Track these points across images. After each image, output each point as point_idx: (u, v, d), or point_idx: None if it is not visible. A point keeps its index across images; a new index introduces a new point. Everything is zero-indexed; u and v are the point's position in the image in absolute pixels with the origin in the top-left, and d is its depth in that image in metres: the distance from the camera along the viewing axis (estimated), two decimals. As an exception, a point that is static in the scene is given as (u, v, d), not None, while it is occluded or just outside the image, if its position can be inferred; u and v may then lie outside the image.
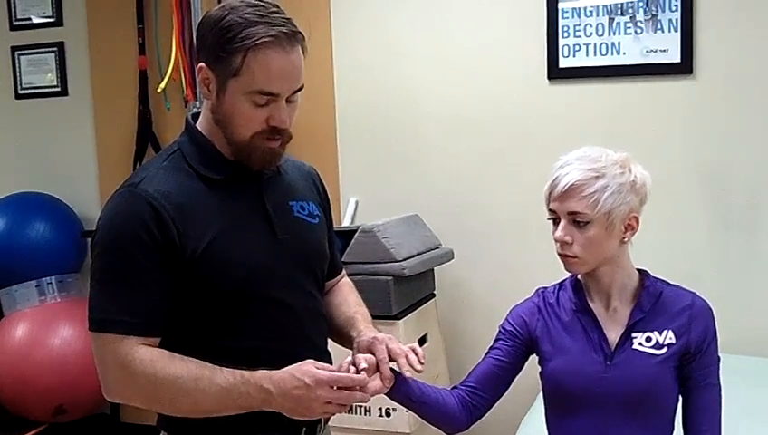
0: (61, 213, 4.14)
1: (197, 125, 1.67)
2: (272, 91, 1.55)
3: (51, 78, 4.27)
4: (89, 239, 4.09)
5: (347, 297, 1.89)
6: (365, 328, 1.74)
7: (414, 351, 1.63)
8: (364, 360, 1.58)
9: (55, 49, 4.23)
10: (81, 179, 4.24)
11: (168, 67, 3.82)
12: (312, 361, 1.54)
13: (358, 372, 1.55)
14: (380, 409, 3.13)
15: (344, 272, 1.98)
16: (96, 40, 4.15)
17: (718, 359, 1.71)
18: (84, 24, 4.17)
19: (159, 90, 3.85)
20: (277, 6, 1.59)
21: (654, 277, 1.75)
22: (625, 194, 1.64)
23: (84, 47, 4.19)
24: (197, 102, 3.81)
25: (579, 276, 1.76)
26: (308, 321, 1.69)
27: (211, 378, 1.50)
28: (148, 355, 1.50)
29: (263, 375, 1.51)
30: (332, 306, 1.86)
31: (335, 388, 1.51)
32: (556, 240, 1.67)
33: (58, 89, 4.26)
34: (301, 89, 1.61)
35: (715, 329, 1.70)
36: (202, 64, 1.58)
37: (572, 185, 1.63)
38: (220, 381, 1.49)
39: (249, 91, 1.54)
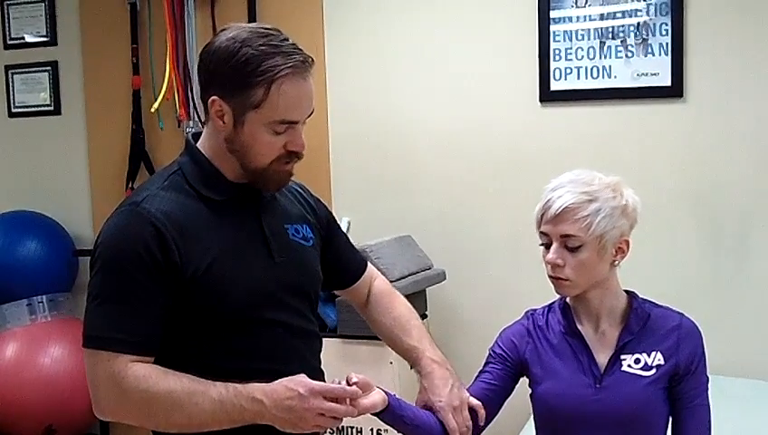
0: (53, 232, 4.12)
1: (199, 146, 1.68)
2: (293, 120, 1.59)
3: (44, 97, 4.27)
4: (80, 258, 4.09)
5: (396, 316, 1.91)
6: (429, 366, 1.77)
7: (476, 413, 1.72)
8: (355, 375, 1.58)
9: (49, 68, 4.23)
10: (74, 198, 4.23)
11: (161, 87, 3.83)
12: (303, 374, 1.55)
13: (349, 385, 1.56)
14: (372, 430, 3.12)
15: (372, 271, 1.99)
16: (90, 59, 4.16)
17: (707, 379, 1.72)
18: (78, 43, 4.19)
19: (153, 109, 3.86)
20: (281, 32, 1.61)
21: (642, 299, 1.76)
22: (617, 218, 1.65)
23: (78, 66, 4.20)
24: (191, 122, 3.82)
25: (567, 299, 1.77)
26: (302, 341, 1.71)
27: (205, 392, 1.50)
28: (141, 372, 1.51)
29: (255, 387, 1.52)
30: (384, 327, 1.91)
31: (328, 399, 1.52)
32: (548, 262, 1.68)
33: (51, 108, 4.26)
34: (312, 112, 1.65)
35: (704, 349, 1.71)
36: (215, 97, 1.59)
37: (566, 208, 1.64)
38: (213, 395, 1.50)
39: (270, 122, 1.58)
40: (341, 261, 1.93)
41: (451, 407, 1.71)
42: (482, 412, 1.74)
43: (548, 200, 1.67)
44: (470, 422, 1.73)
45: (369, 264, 2.00)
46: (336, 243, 1.91)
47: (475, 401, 1.75)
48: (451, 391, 1.73)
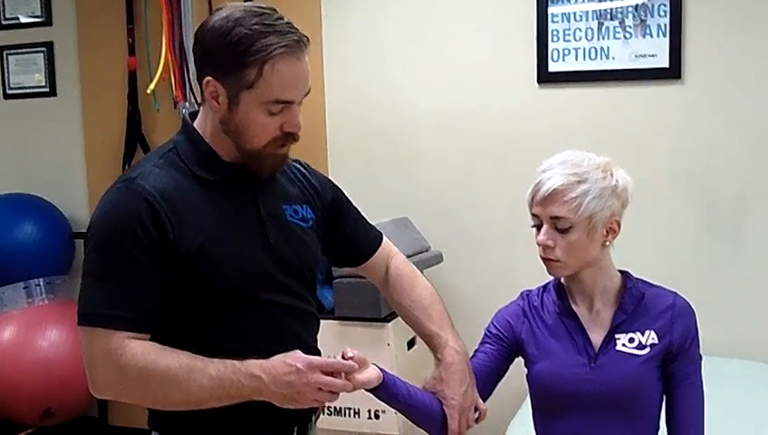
0: (49, 214, 4.12)
1: (196, 126, 1.67)
2: (288, 100, 1.58)
3: (39, 78, 4.25)
4: (77, 241, 4.08)
5: (416, 299, 1.88)
6: (450, 357, 1.75)
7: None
8: (351, 351, 1.59)
9: (44, 49, 4.22)
10: (70, 181, 4.22)
11: (157, 68, 3.82)
12: (299, 350, 1.55)
13: (345, 360, 1.57)
14: (369, 411, 3.13)
15: (386, 244, 1.97)
16: (85, 40, 4.14)
17: (700, 358, 1.73)
18: (73, 24, 4.16)
19: (149, 90, 3.85)
20: (276, 11, 1.60)
21: (636, 278, 1.76)
22: (606, 198, 1.65)
23: (73, 47, 4.18)
24: (187, 103, 3.81)
25: (562, 279, 1.77)
26: (299, 321, 1.71)
27: (203, 368, 1.50)
28: (139, 349, 1.51)
29: (253, 363, 1.52)
30: (403, 309, 1.89)
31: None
32: (539, 244, 1.69)
33: (46, 89, 4.24)
34: (309, 91, 1.63)
35: (697, 328, 1.71)
36: (209, 78, 1.58)
37: (555, 190, 1.64)
38: (212, 372, 1.50)
39: (265, 102, 1.56)
40: (352, 238, 1.92)
41: (461, 407, 1.71)
42: (484, 413, 1.75)
43: (538, 182, 1.68)
44: (472, 423, 1.73)
45: (386, 241, 1.98)
46: (346, 220, 1.90)
47: (482, 405, 1.75)
48: (466, 392, 1.72)
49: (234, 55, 1.54)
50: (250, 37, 1.53)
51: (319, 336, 1.81)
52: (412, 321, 1.88)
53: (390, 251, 1.98)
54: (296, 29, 1.59)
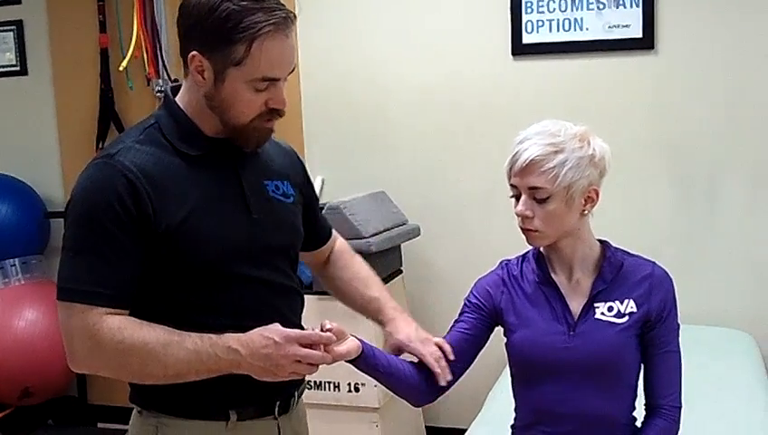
0: (23, 194, 4.08)
1: (178, 100, 1.67)
2: (274, 77, 1.58)
3: (9, 57, 4.19)
4: (52, 220, 4.06)
5: (357, 271, 1.95)
6: (392, 313, 1.83)
7: (442, 349, 1.74)
8: (329, 323, 1.59)
9: (14, 27, 4.15)
10: (44, 160, 4.18)
11: (129, 45, 3.78)
12: (277, 323, 1.55)
13: (323, 332, 1.57)
14: (349, 384, 3.15)
15: (335, 234, 2.02)
16: (55, 18, 4.09)
17: (678, 326, 1.74)
18: (43, 1, 4.10)
19: (121, 68, 3.81)
20: None
21: (615, 248, 1.77)
22: (584, 168, 1.66)
23: (43, 25, 4.12)
24: (160, 80, 3.78)
25: (541, 249, 1.78)
26: (281, 298, 1.71)
27: (180, 342, 1.51)
28: (116, 323, 1.51)
29: (231, 337, 1.52)
30: (343, 282, 1.93)
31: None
32: (517, 214, 1.70)
33: (17, 68, 4.19)
34: (294, 68, 1.64)
35: (675, 297, 1.73)
36: (195, 53, 1.56)
37: (532, 160, 1.65)
38: (189, 345, 1.51)
39: (252, 79, 1.56)
40: (315, 224, 1.94)
41: (420, 341, 1.76)
42: (447, 348, 1.76)
43: (515, 153, 1.68)
44: (440, 354, 1.75)
45: (335, 234, 2.04)
46: (311, 205, 1.92)
47: (439, 338, 1.78)
48: (417, 330, 1.79)
49: (221, 32, 1.53)
50: (238, 14, 1.52)
51: (298, 312, 1.81)
52: (350, 292, 1.93)
53: (336, 235, 2.03)
54: (283, 6, 1.58)
